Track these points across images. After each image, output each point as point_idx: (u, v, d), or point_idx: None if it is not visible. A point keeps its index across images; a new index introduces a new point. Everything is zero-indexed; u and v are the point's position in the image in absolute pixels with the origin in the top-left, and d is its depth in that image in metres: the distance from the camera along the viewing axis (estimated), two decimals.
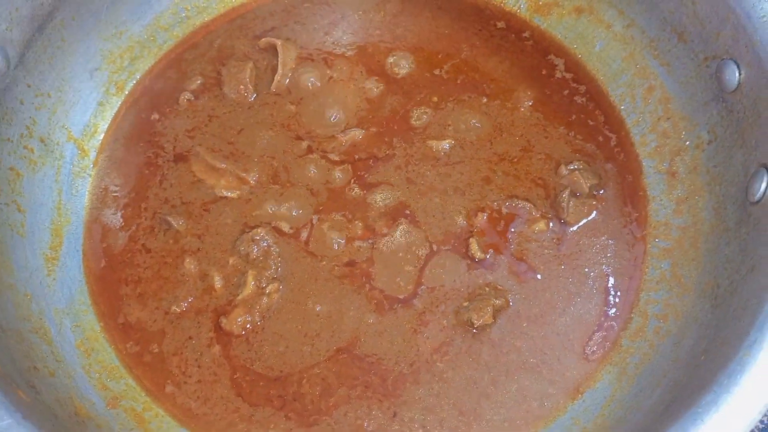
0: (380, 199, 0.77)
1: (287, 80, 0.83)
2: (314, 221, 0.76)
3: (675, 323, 0.68)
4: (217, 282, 0.73)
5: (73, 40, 0.78)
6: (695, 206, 0.72)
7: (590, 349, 0.71)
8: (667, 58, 0.77)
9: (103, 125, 0.82)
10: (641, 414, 0.62)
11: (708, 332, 0.62)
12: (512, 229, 0.75)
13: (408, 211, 0.76)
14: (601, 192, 0.77)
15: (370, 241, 0.75)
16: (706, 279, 0.67)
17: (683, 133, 0.75)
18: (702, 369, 0.58)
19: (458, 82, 0.83)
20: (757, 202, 0.63)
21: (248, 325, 0.72)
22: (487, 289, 0.73)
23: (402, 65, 0.84)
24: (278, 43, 0.83)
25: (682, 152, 0.75)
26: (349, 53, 0.85)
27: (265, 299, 0.72)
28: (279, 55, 0.83)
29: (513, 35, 0.86)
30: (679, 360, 0.64)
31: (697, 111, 0.73)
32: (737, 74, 0.67)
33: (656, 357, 0.67)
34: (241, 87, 0.82)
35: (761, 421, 0.74)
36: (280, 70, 0.82)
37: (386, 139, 0.80)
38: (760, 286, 0.57)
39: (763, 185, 0.62)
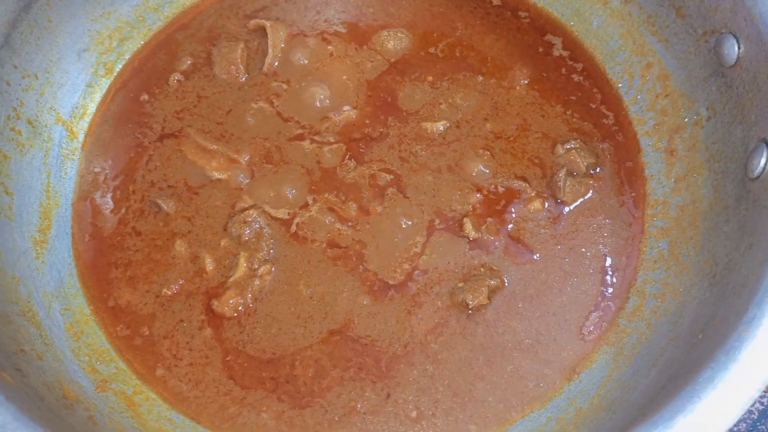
0: (374, 179, 0.75)
1: (277, 62, 0.81)
2: (309, 202, 0.75)
3: (673, 302, 0.67)
4: (209, 264, 0.72)
5: (60, 20, 0.77)
6: (694, 184, 0.71)
7: (587, 329, 0.70)
8: (665, 33, 0.75)
9: (92, 107, 0.81)
10: (638, 394, 0.61)
11: (706, 310, 0.61)
12: (508, 209, 0.74)
13: (402, 191, 0.75)
14: (598, 171, 0.76)
15: (364, 222, 0.74)
16: (704, 257, 0.66)
17: (682, 110, 0.74)
18: (700, 347, 0.57)
19: (453, 60, 0.82)
20: (757, 177, 0.62)
21: (240, 308, 0.71)
22: (482, 269, 0.71)
23: (396, 44, 0.82)
24: (267, 24, 0.81)
25: (681, 129, 0.74)
26: (342, 32, 0.83)
27: (257, 281, 0.71)
28: (268, 36, 0.81)
29: (509, 13, 0.85)
30: (677, 339, 0.63)
31: (695, 87, 0.72)
32: (736, 48, 0.65)
33: (653, 336, 0.66)
34: (232, 67, 0.81)
35: (761, 402, 0.74)
36: (270, 52, 0.81)
37: (380, 119, 0.79)
38: (759, 263, 0.56)
39: (763, 160, 0.61)
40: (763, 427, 0.73)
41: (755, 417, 0.73)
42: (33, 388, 0.59)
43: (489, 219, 0.73)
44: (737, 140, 0.66)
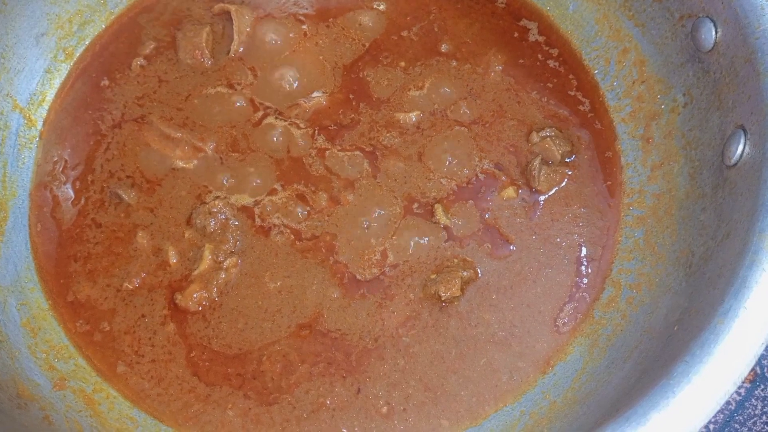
0: (345, 168, 0.73)
1: (243, 47, 0.79)
2: (276, 191, 0.72)
3: (648, 293, 0.66)
4: (172, 257, 0.70)
5: (15, 3, 0.74)
6: (670, 172, 0.70)
7: (561, 320, 0.68)
8: (641, 18, 0.74)
9: (51, 93, 0.78)
10: (612, 387, 0.60)
11: (682, 302, 0.60)
12: (482, 197, 0.72)
13: (374, 179, 0.73)
14: (573, 159, 0.74)
15: (335, 212, 0.72)
16: (680, 247, 0.65)
17: (658, 96, 0.72)
18: (675, 340, 0.56)
19: (427, 45, 0.79)
20: (734, 165, 0.60)
21: (205, 302, 0.68)
22: (455, 260, 0.70)
23: (368, 27, 0.80)
24: (232, 9, 0.79)
25: (658, 116, 0.72)
26: (311, 15, 0.81)
27: (222, 274, 0.69)
28: (234, 21, 0.78)
29: None
30: (652, 331, 0.62)
31: (672, 73, 0.71)
32: (713, 32, 0.64)
33: (628, 328, 0.65)
34: (197, 52, 0.78)
35: (738, 393, 0.73)
36: (235, 38, 0.78)
37: (352, 105, 0.76)
38: (736, 253, 0.54)
39: (740, 147, 0.59)
40: (741, 418, 0.72)
41: (732, 408, 0.73)
42: None
43: (466, 203, 0.71)
44: (714, 127, 0.65)
